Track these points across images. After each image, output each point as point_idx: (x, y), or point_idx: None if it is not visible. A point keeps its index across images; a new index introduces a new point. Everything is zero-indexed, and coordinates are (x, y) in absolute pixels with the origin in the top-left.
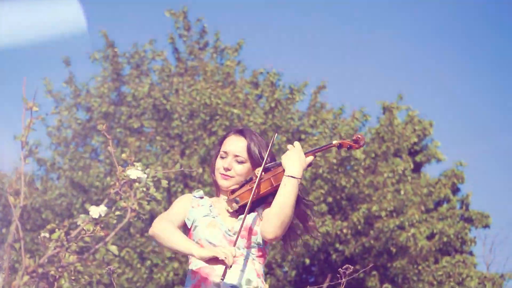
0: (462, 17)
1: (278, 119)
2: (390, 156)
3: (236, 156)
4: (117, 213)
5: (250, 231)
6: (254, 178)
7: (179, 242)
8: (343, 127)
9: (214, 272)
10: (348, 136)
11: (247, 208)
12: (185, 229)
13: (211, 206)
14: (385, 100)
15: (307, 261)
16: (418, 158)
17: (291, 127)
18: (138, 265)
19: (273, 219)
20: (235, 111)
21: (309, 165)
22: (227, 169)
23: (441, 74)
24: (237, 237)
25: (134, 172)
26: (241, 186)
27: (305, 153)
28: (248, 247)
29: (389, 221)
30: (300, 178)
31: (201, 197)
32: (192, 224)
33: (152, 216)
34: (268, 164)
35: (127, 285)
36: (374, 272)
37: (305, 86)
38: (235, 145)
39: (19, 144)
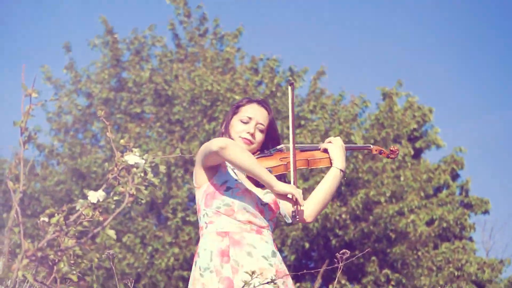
0: (462, 3)
1: (278, 105)
2: (390, 142)
3: (259, 124)
4: (115, 198)
5: (276, 205)
6: (284, 150)
7: (260, 167)
8: (342, 113)
9: (245, 241)
10: (347, 121)
11: (292, 179)
12: (210, 176)
13: (233, 169)
14: (385, 86)
15: (307, 245)
16: (417, 144)
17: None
18: (140, 251)
19: (317, 205)
20: (236, 97)
21: None
22: (252, 135)
23: (441, 61)
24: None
25: (132, 158)
26: (265, 156)
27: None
28: (271, 219)
29: (388, 207)
30: (345, 172)
31: None
32: (225, 183)
33: (153, 201)
34: (302, 145)
35: (128, 270)
36: (373, 258)
37: (305, 72)
38: (261, 113)
39: (19, 130)
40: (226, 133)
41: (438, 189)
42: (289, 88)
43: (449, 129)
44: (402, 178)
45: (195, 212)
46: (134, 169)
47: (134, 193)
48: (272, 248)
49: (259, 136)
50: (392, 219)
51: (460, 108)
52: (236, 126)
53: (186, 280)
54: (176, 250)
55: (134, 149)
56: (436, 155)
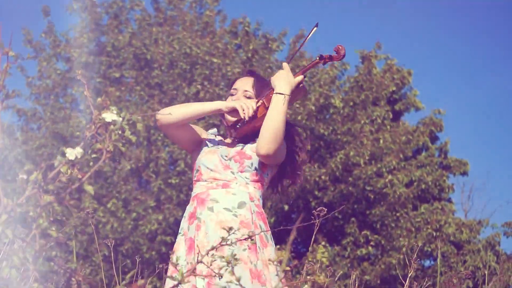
0: None
1: (256, 69)
2: (369, 105)
3: (245, 91)
4: (93, 155)
5: (243, 155)
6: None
7: (199, 105)
8: (322, 76)
9: (209, 197)
10: (326, 84)
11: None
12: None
13: (220, 140)
14: (364, 49)
15: (286, 207)
16: (397, 107)
17: (269, 76)
18: (123, 215)
19: (264, 134)
20: (215, 60)
21: (300, 84)
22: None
23: (420, 23)
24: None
25: (110, 116)
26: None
27: (294, 75)
28: (242, 171)
29: (367, 168)
30: (288, 95)
31: (214, 135)
32: (193, 151)
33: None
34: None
35: (111, 235)
36: (352, 219)
37: (284, 35)
38: (244, 81)
39: None
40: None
41: (417, 151)
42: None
43: (428, 91)
44: (381, 141)
45: (176, 175)
46: (112, 127)
47: (111, 149)
48: (241, 199)
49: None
50: (370, 180)
51: (439, 71)
52: (227, 101)
53: (168, 245)
54: (160, 216)
55: (111, 107)
56: (415, 118)
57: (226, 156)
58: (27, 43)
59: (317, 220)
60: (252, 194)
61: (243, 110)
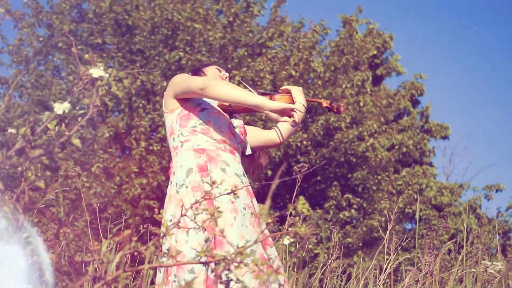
0: None
1: (237, 33)
2: (350, 69)
3: (227, 78)
4: (81, 112)
5: (244, 129)
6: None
7: (247, 95)
8: (302, 40)
9: (220, 158)
10: (306, 49)
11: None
12: (183, 102)
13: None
14: (346, 14)
15: (269, 172)
16: (378, 72)
17: (251, 41)
18: (104, 180)
19: (286, 133)
20: (197, 26)
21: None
22: (225, 76)
23: None
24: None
25: (97, 71)
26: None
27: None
28: (241, 142)
29: (349, 132)
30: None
31: None
32: (199, 105)
33: (116, 133)
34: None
35: (95, 200)
36: (335, 183)
37: (266, 0)
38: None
39: None
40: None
41: (398, 116)
42: (242, 82)
43: (409, 56)
44: (361, 103)
45: (158, 141)
46: (99, 82)
47: (99, 104)
48: (243, 169)
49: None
50: (352, 144)
51: (421, 35)
52: (212, 72)
53: (151, 209)
54: (144, 180)
55: (98, 63)
56: (397, 82)
57: (232, 123)
58: (6, 13)
59: (298, 175)
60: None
61: (294, 113)
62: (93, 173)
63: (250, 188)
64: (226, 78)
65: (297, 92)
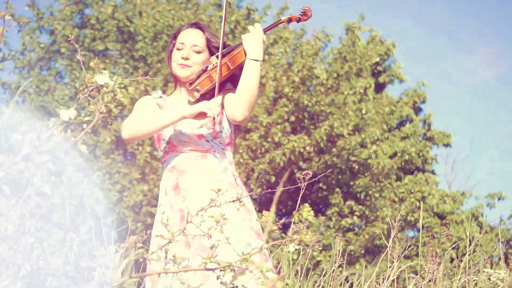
0: None
1: (239, 40)
2: (353, 76)
3: (194, 45)
4: (86, 119)
5: (214, 122)
6: (211, 65)
7: (162, 117)
8: (304, 47)
9: (191, 168)
10: (309, 55)
11: (216, 91)
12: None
13: (173, 107)
14: (349, 21)
15: (273, 178)
16: (381, 79)
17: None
18: (109, 187)
19: (241, 102)
20: None
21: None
22: (185, 59)
23: None
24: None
25: (102, 78)
26: (199, 76)
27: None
28: (216, 137)
29: (351, 139)
30: (263, 61)
31: (160, 97)
32: None
33: (118, 139)
34: (224, 50)
35: (97, 206)
36: (337, 190)
37: (268, 8)
38: (192, 35)
39: None
40: (168, 64)
41: (401, 123)
42: (225, 5)
43: (412, 63)
44: (364, 111)
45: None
46: (104, 89)
47: (104, 111)
48: (223, 166)
49: (196, 57)
50: (354, 150)
51: (423, 43)
52: (173, 54)
53: (153, 216)
54: (145, 187)
55: (103, 71)
56: (399, 90)
57: (196, 125)
58: (10, 17)
59: (303, 184)
60: (229, 158)
61: (210, 109)
62: (94, 181)
63: (237, 180)
64: (183, 58)
65: (247, 42)
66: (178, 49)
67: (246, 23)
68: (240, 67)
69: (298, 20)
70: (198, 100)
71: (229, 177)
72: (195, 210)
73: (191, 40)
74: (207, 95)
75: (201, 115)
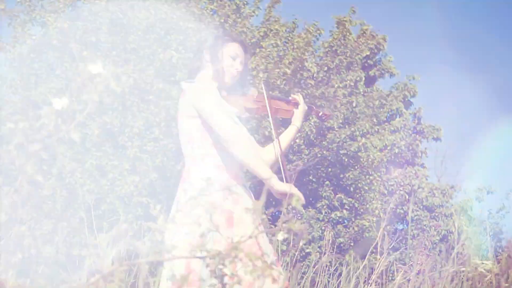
0: None
1: (229, 33)
2: (343, 70)
3: (241, 63)
4: (80, 107)
5: None
6: (252, 93)
7: (261, 168)
8: (295, 40)
9: (240, 174)
10: (300, 47)
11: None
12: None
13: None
14: (340, 15)
15: None
16: (371, 72)
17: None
18: (98, 177)
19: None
20: (190, 25)
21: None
22: (238, 71)
23: None
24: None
25: (95, 67)
26: (239, 95)
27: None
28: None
29: (341, 132)
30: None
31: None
32: None
33: (108, 131)
34: (276, 95)
35: (88, 196)
36: (327, 182)
37: (260, 1)
38: (244, 53)
39: None
40: (213, 63)
41: (391, 117)
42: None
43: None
44: (354, 104)
45: (152, 140)
46: (98, 78)
47: (97, 99)
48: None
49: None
50: (344, 143)
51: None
52: (226, 60)
53: (144, 207)
54: (137, 178)
55: (96, 60)
56: (389, 83)
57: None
58: (1, 11)
59: (293, 174)
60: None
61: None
62: (87, 170)
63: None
64: (237, 70)
65: (301, 111)
66: (231, 57)
67: (236, 16)
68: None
69: (320, 118)
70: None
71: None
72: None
73: (242, 56)
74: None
75: (283, 195)
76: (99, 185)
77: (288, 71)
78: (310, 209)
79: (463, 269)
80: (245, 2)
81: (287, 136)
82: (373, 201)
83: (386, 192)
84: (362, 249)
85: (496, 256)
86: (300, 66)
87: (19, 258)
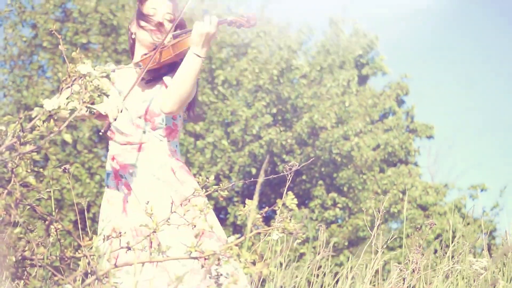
0: None
1: (221, 34)
2: (336, 69)
3: (168, 13)
4: (70, 107)
5: (153, 113)
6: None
7: (186, 72)
8: (284, 39)
9: (128, 161)
10: (286, 46)
11: (136, 81)
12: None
13: (125, 81)
14: (332, 14)
15: (253, 170)
16: (364, 71)
17: (235, 41)
18: (87, 180)
19: (172, 95)
20: None
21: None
22: (161, 24)
23: None
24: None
25: (85, 68)
26: (152, 50)
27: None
28: (154, 128)
29: (334, 131)
30: (205, 58)
31: (113, 71)
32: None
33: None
34: (177, 32)
35: (77, 200)
36: (320, 182)
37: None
38: (163, 2)
39: None
40: (135, 30)
41: (384, 116)
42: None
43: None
44: (347, 103)
45: None
46: (87, 78)
47: (88, 100)
48: (160, 160)
49: (169, 26)
50: (337, 143)
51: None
52: (142, 19)
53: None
54: None
55: (85, 61)
56: (382, 82)
57: (135, 114)
58: None
59: (288, 173)
60: (168, 149)
61: (105, 112)
62: (73, 174)
63: (177, 173)
64: (160, 23)
65: (195, 34)
66: (148, 15)
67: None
68: (182, 56)
69: (240, 26)
70: (145, 80)
71: (166, 173)
72: (137, 204)
73: (164, 7)
74: (151, 73)
75: (102, 116)
76: (88, 188)
77: (275, 72)
78: (303, 209)
79: (458, 267)
80: (237, 3)
81: (182, 63)
82: (367, 200)
83: (379, 191)
84: (357, 248)
85: (490, 253)
86: (286, 65)
87: (13, 261)
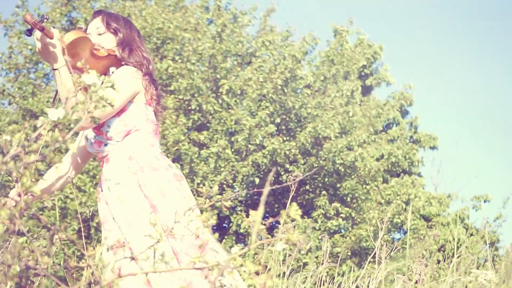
0: None
1: (226, 43)
2: (340, 79)
3: (97, 28)
4: (75, 117)
5: (98, 126)
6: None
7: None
8: (287, 49)
9: (102, 175)
10: (290, 56)
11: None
12: None
13: None
14: (337, 24)
15: (257, 180)
16: (368, 82)
17: (240, 51)
18: (91, 189)
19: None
20: (186, 35)
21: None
22: (98, 43)
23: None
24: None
25: (89, 78)
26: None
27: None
28: (109, 138)
29: (337, 141)
30: (61, 66)
31: None
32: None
33: None
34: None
35: (81, 209)
36: (323, 192)
37: (255, 9)
38: (93, 22)
39: None
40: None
41: (388, 126)
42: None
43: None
44: (351, 113)
45: None
46: (92, 88)
47: (93, 110)
48: (121, 167)
49: (101, 40)
50: (341, 153)
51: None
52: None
53: None
54: None
55: (90, 71)
56: (386, 93)
57: (91, 135)
58: None
59: (292, 183)
60: (129, 151)
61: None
62: (75, 184)
63: (145, 170)
64: (98, 45)
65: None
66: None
67: (234, 26)
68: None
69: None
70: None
71: (131, 179)
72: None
73: (93, 26)
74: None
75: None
76: (91, 198)
77: (280, 81)
78: (306, 219)
79: (463, 279)
80: (243, 12)
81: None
82: (370, 211)
83: (383, 201)
84: (359, 259)
85: (494, 266)
86: (290, 75)
87: (17, 270)
